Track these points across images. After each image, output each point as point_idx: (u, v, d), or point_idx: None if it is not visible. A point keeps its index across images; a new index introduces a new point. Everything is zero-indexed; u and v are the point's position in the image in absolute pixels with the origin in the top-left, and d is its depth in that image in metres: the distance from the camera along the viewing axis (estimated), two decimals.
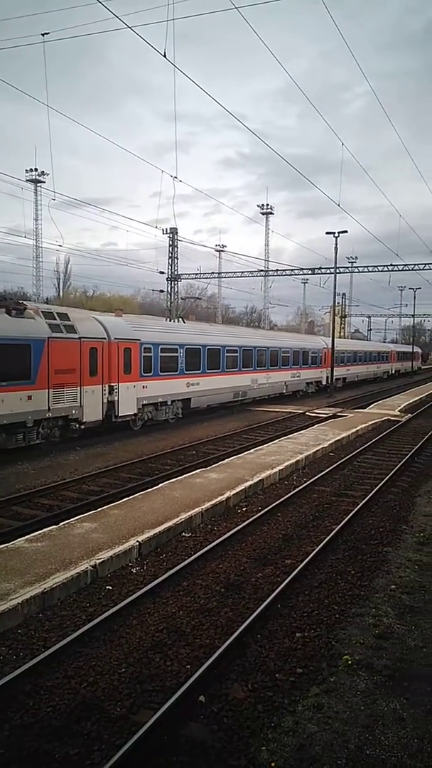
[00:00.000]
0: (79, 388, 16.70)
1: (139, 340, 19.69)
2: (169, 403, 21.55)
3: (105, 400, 17.85)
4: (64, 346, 16.09)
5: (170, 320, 33.15)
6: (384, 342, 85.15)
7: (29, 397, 14.95)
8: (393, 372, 58.72)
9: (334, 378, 38.78)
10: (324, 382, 37.74)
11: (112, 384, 18.14)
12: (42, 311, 16.40)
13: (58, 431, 16.51)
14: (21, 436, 15.12)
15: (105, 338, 17.97)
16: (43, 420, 15.64)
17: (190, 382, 22.71)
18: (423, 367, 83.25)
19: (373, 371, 51.42)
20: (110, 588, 7.30)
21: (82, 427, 17.07)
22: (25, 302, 17.11)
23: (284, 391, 32.04)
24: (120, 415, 18.54)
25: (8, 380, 14.35)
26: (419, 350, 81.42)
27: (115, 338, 18.45)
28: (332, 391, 36.58)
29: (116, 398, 18.24)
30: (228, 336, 27.90)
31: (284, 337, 37.10)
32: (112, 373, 18.17)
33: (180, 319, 32.97)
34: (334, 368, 38.42)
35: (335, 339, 38.64)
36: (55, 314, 16.69)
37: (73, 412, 16.52)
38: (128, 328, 19.93)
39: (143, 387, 19.77)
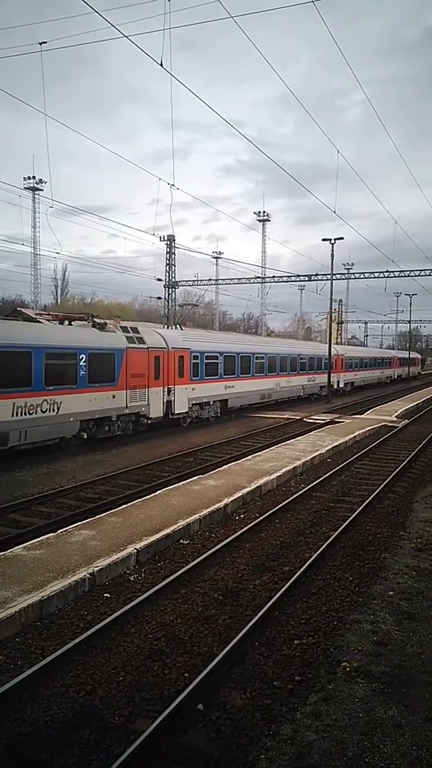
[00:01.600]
0: (147, 389, 20.07)
1: (189, 349, 23.00)
2: (211, 403, 24.99)
3: (165, 400, 21.22)
4: (137, 355, 19.52)
5: (167, 327, 33.31)
6: (381, 348, 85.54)
7: (113, 396, 18.35)
8: (395, 377, 61.87)
9: (344, 382, 43.37)
10: (335, 386, 40.99)
11: (170, 386, 21.46)
12: (120, 326, 19.91)
13: (132, 425, 19.70)
14: (107, 428, 18.46)
15: (165, 348, 21.35)
16: (122, 415, 18.97)
17: (227, 385, 26.08)
18: (423, 372, 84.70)
19: (377, 376, 54.87)
20: (108, 596, 7.29)
21: (149, 421, 20.25)
22: (100, 318, 19.93)
23: (302, 394, 35.14)
24: (175, 412, 21.83)
25: (99, 383, 17.72)
26: (419, 356, 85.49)
27: (172, 348, 21.80)
28: (330, 397, 36.67)
29: (173, 398, 21.55)
30: (256, 345, 31.41)
31: (301, 346, 40.59)
32: (170, 377, 21.44)
33: (178, 326, 33.16)
34: (343, 373, 42.84)
35: (346, 347, 43.14)
36: (129, 328, 20.11)
37: (143, 409, 19.91)
38: (181, 339, 23.27)
39: (192, 389, 23.05)
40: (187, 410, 22.72)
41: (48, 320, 18.24)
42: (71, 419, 16.63)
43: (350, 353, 46.51)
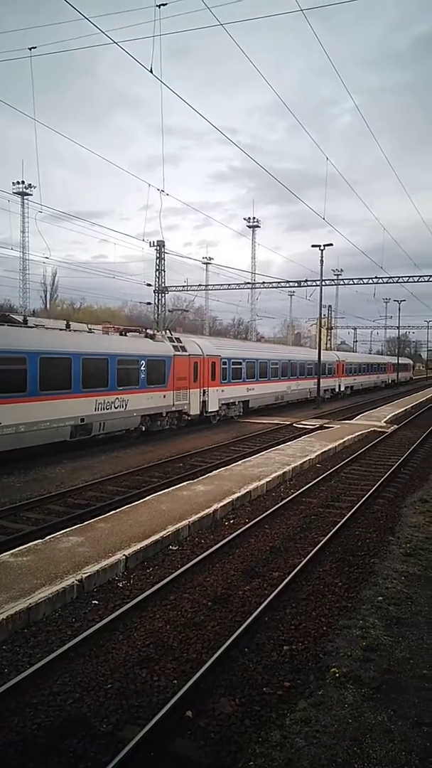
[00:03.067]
0: (188, 390, 23.44)
1: (219, 355, 26.31)
2: (236, 403, 28.37)
3: (201, 400, 24.61)
4: (181, 361, 22.87)
5: (158, 332, 33.37)
6: (370, 353, 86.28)
7: (164, 396, 21.75)
8: (389, 381, 65.11)
9: (345, 386, 46.92)
10: (337, 390, 44.96)
11: (205, 388, 24.82)
12: (167, 336, 23.61)
13: (176, 421, 23.05)
14: (159, 423, 21.83)
15: (201, 354, 24.63)
16: (170, 412, 22.41)
17: (248, 387, 29.56)
18: (414, 378, 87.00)
19: (373, 380, 58.35)
20: (96, 602, 7.24)
21: (189, 418, 23.74)
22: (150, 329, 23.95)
23: (308, 396, 38.39)
24: (209, 411, 25.25)
25: (154, 384, 21.11)
26: (410, 362, 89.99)
27: (207, 354, 25.05)
28: (319, 403, 36.80)
29: (207, 398, 24.94)
30: (271, 352, 34.77)
31: (308, 352, 43.56)
32: (205, 380, 24.79)
33: (167, 331, 33.30)
34: (344, 377, 46.41)
35: (346, 353, 47.33)
36: (174, 338, 23.76)
37: (185, 407, 23.32)
38: (213, 347, 26.63)
39: (222, 391, 26.44)
40: (217, 409, 26.06)
41: (107, 331, 21.60)
42: (135, 414, 20.20)
43: (350, 359, 50.51)
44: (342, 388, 46.17)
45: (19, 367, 15.16)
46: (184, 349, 23.35)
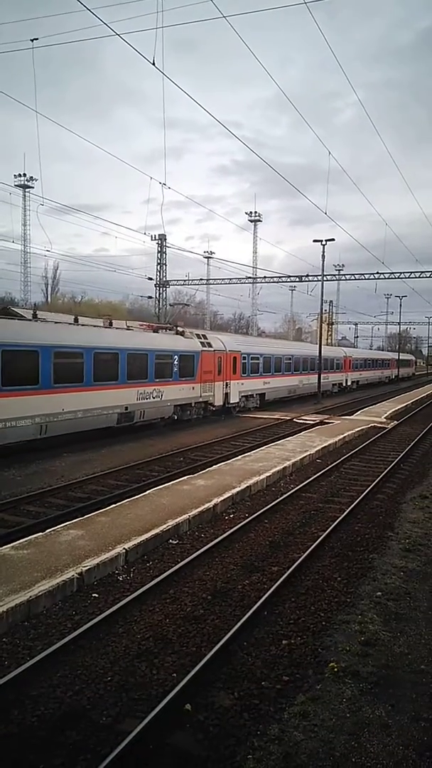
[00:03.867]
0: (213, 383, 25.41)
1: (240, 351, 28.34)
2: (254, 395, 30.35)
3: (224, 392, 26.60)
4: (207, 356, 24.96)
5: (156, 328, 33.44)
6: (371, 349, 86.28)
7: (193, 388, 23.88)
8: (393, 377, 66.89)
9: (352, 380, 49.10)
10: (344, 384, 47.19)
11: (227, 381, 26.78)
12: (196, 333, 25.61)
13: (202, 411, 25.17)
14: (188, 412, 23.91)
15: (224, 350, 26.65)
16: (197, 403, 24.57)
17: (265, 381, 31.59)
18: (417, 373, 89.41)
19: (378, 376, 60.50)
20: (96, 596, 7.26)
21: (213, 408, 25.79)
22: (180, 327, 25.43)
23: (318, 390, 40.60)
24: (230, 402, 27.30)
25: (185, 377, 23.17)
26: (413, 358, 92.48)
27: (229, 350, 27.13)
28: (320, 398, 36.81)
29: (229, 391, 26.91)
30: (285, 348, 37.24)
31: (312, 348, 44.57)
32: (227, 373, 26.79)
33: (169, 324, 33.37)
34: (351, 372, 48.61)
35: (353, 350, 50.74)
36: (201, 335, 25.88)
37: (210, 398, 25.39)
38: (234, 343, 28.86)
39: (242, 384, 28.47)
40: (238, 401, 28.10)
41: (141, 328, 23.43)
42: (169, 404, 22.26)
43: (356, 355, 53.16)
44: (349, 383, 48.36)
45: (77, 360, 17.23)
46: (209, 345, 25.41)
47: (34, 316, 17.27)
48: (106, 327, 20.19)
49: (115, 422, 19.04)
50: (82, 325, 18.67)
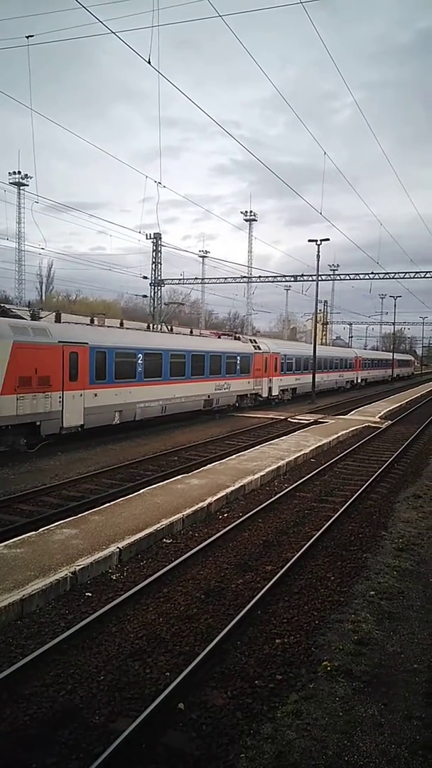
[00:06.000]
0: (262, 378, 31.48)
1: (279, 352, 34.50)
2: (288, 390, 36.22)
3: (268, 386, 32.45)
4: (258, 357, 30.90)
5: (152, 327, 33.48)
6: (365, 349, 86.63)
7: (248, 382, 30.00)
8: (395, 375, 71.08)
9: (361, 379, 55.44)
10: (355, 381, 53.23)
11: (270, 377, 32.63)
12: (249, 338, 33.03)
13: (253, 401, 30.88)
14: (245, 402, 29.95)
15: (268, 352, 32.41)
16: (251, 394, 30.64)
17: (296, 378, 37.73)
18: (415, 373, 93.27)
19: (382, 375, 65.46)
20: (90, 595, 7.25)
21: (261, 399, 31.67)
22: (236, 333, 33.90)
23: (334, 386, 46.76)
24: (272, 395, 33.09)
25: (244, 373, 29.39)
26: (412, 358, 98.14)
27: (273, 352, 33.09)
28: (314, 398, 36.89)
29: (272, 385, 32.91)
30: (310, 350, 39.90)
31: (334, 350, 53.60)
32: (270, 371, 32.63)
33: (163, 324, 33.45)
34: (360, 371, 54.86)
35: (362, 350, 58.52)
36: (252, 340, 32.70)
37: (260, 391, 31.51)
38: (275, 345, 35.04)
39: (281, 380, 34.47)
40: (277, 394, 33.68)
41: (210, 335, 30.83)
42: (234, 394, 28.45)
43: (365, 356, 59.68)
44: (359, 380, 54.63)
45: (181, 360, 23.49)
46: (259, 348, 31.48)
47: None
48: (195, 335, 28.42)
49: (202, 407, 25.23)
50: (178, 333, 27.52)
